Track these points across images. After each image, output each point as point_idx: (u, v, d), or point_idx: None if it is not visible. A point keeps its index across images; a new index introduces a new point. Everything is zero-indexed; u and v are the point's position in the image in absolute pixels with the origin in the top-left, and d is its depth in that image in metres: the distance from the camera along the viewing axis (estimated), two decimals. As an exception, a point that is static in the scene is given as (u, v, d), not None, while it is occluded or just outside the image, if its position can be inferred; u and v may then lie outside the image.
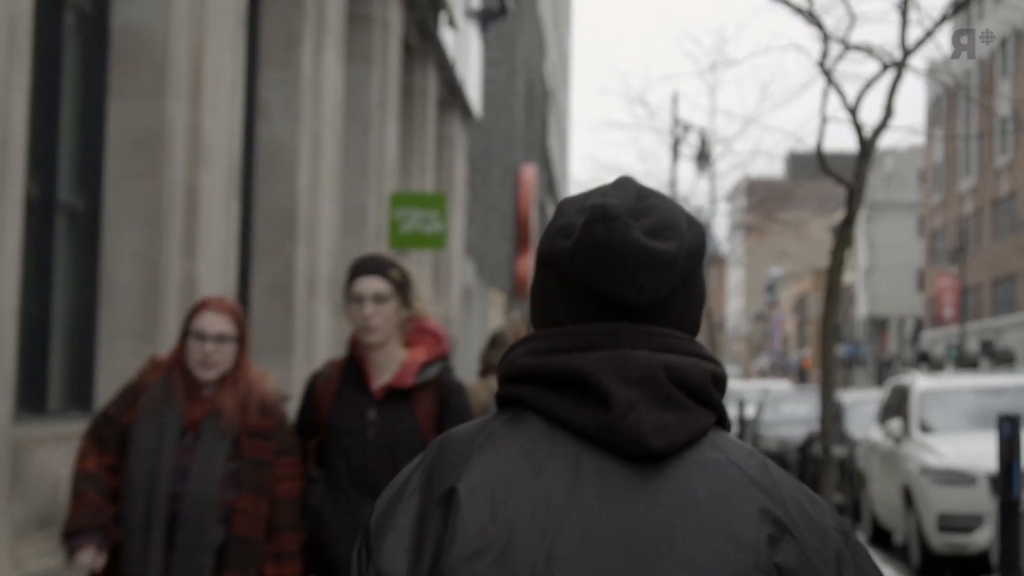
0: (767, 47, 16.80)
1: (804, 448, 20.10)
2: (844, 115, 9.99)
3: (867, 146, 9.87)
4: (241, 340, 4.57)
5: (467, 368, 18.28)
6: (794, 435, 22.45)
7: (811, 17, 9.98)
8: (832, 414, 9.96)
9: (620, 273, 1.63)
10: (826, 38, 9.98)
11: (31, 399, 6.58)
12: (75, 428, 5.75)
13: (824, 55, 9.98)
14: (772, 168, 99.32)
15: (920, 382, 14.79)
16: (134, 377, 4.65)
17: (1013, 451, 7.95)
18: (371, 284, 4.66)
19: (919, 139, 71.14)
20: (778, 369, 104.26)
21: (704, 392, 1.65)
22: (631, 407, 1.59)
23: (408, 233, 13.86)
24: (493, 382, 7.27)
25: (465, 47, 18.33)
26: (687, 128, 31.96)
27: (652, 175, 40.93)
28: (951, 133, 59.35)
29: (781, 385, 40.14)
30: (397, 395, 4.65)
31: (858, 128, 9.91)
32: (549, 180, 42.62)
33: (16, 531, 5.79)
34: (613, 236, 1.62)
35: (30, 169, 6.28)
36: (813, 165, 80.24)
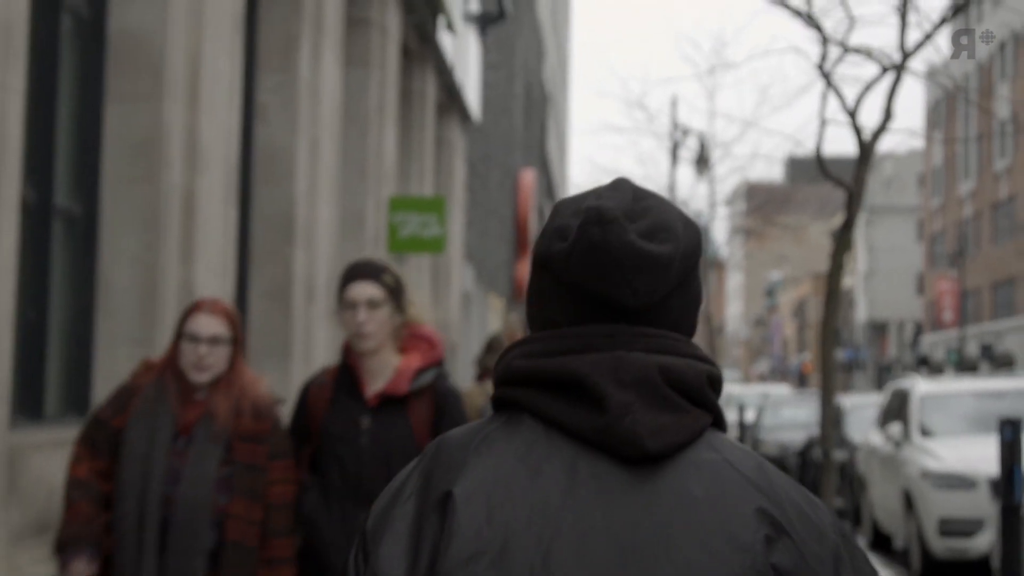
0: (766, 50, 16.79)
1: (804, 452, 20.07)
2: (843, 118, 9.98)
3: (866, 149, 9.85)
4: (235, 342, 4.51)
5: (467, 372, 18.26)
6: (794, 439, 22.44)
7: (810, 20, 9.96)
8: (832, 418, 9.93)
9: (616, 276, 1.63)
10: (825, 41, 9.96)
11: (28, 404, 6.55)
12: (72, 434, 5.71)
13: (823, 58, 9.97)
14: (771, 172, 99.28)
15: (920, 386, 14.76)
16: (127, 379, 4.59)
17: (1014, 455, 7.92)
18: (364, 290, 4.59)
19: (918, 142, 71.18)
20: (778, 373, 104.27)
21: (700, 393, 1.65)
22: (627, 409, 1.59)
23: (407, 237, 13.83)
24: (490, 386, 7.26)
25: (464, 51, 18.31)
26: (686, 132, 31.96)
27: (651, 179, 40.90)
28: (950, 136, 59.35)
29: (781, 389, 40.08)
30: (391, 402, 4.58)
31: (857, 131, 9.89)
32: (548, 184, 42.62)
33: (12, 537, 5.76)
34: (609, 239, 1.62)
35: (26, 173, 6.25)
36: (812, 169, 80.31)
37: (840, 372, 71.15)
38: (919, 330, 71.81)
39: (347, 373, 4.66)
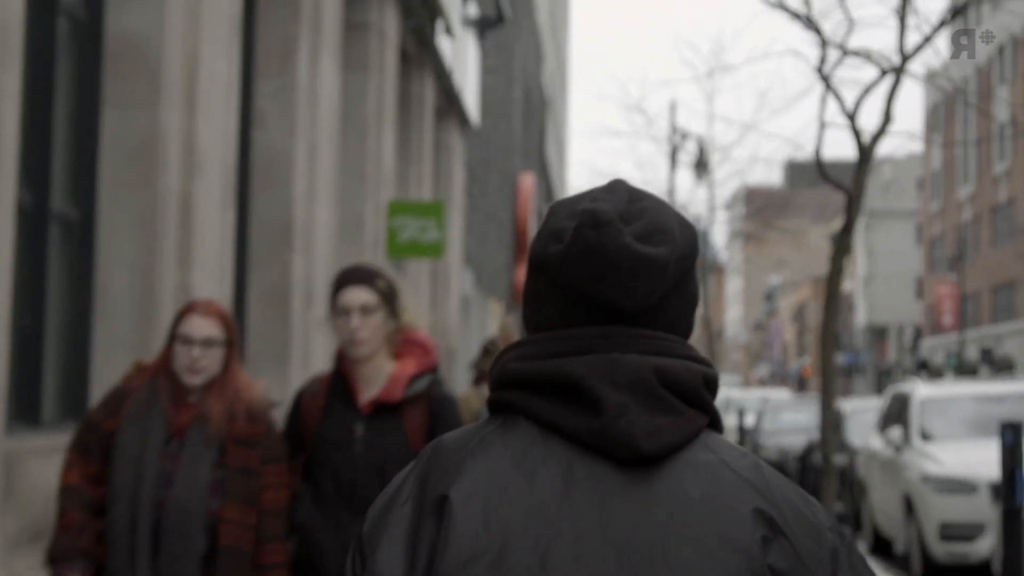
0: (765, 52, 16.83)
1: (804, 457, 20.01)
2: (843, 121, 9.96)
3: (866, 152, 9.84)
4: (230, 345, 4.45)
5: (465, 377, 18.22)
6: (794, 444, 22.40)
7: (809, 22, 9.96)
8: (832, 423, 9.91)
9: (611, 278, 1.62)
10: (824, 43, 9.95)
11: (24, 410, 6.52)
12: (69, 439, 5.69)
13: (822, 60, 9.95)
14: (770, 176, 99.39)
15: (920, 390, 14.74)
16: (119, 382, 4.53)
17: (1015, 459, 7.88)
18: (357, 295, 4.51)
19: (917, 146, 71.23)
20: (777, 378, 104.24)
21: (695, 394, 1.65)
22: (622, 411, 1.59)
23: (406, 242, 13.81)
24: (486, 390, 7.23)
25: (462, 55, 18.30)
26: (685, 136, 31.95)
27: (650, 183, 40.87)
28: (949, 139, 59.38)
29: (781, 394, 40.04)
30: (386, 409, 4.51)
31: (857, 134, 9.87)
32: (547, 188, 42.61)
33: (9, 544, 5.73)
34: (604, 241, 1.62)
35: (23, 177, 6.22)
36: (811, 173, 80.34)
37: (840, 376, 71.15)
38: (919, 334, 71.80)
39: (340, 380, 4.59)
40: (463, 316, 21.43)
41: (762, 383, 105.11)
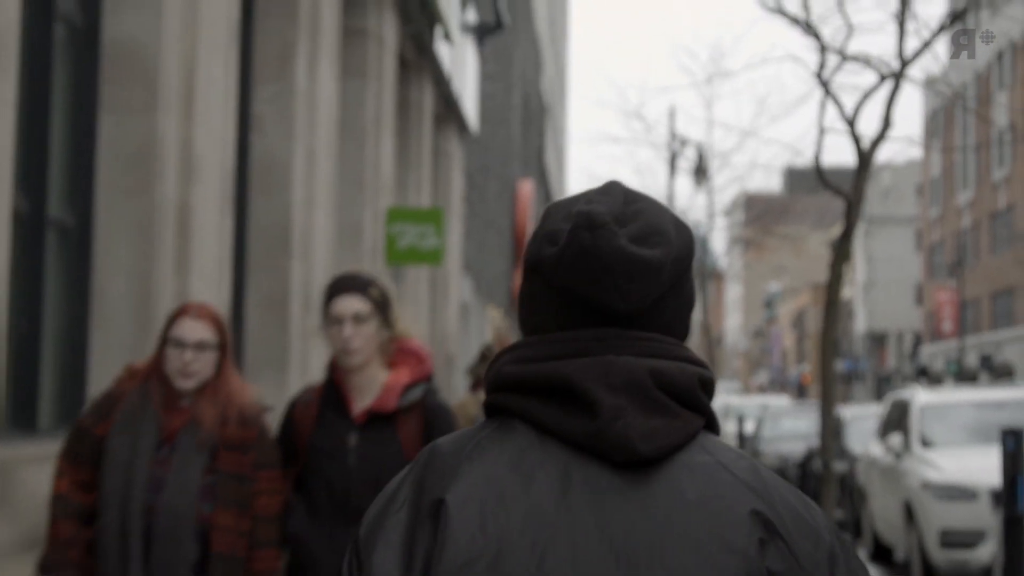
0: (764, 58, 16.84)
1: (804, 464, 20.03)
2: (842, 126, 9.95)
3: (865, 157, 9.82)
4: (222, 348, 4.39)
5: (465, 384, 18.19)
6: (794, 450, 22.39)
7: (808, 28, 9.94)
8: (832, 429, 9.88)
9: (606, 281, 1.62)
10: (823, 49, 9.94)
11: (21, 418, 6.49)
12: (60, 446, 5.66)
13: (821, 66, 9.94)
14: (770, 182, 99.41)
15: (920, 396, 14.71)
16: (110, 386, 4.48)
17: (1017, 465, 7.86)
18: (350, 304, 4.45)
19: (917, 151, 71.22)
20: (777, 384, 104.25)
21: (691, 396, 1.64)
22: (618, 413, 1.58)
23: (404, 249, 13.79)
24: (483, 396, 7.19)
25: (461, 62, 18.29)
26: (684, 142, 31.95)
27: (649, 189, 40.86)
28: (948, 145, 59.41)
29: (780, 400, 40.04)
30: (379, 419, 4.45)
31: (856, 139, 9.86)
32: (546, 195, 42.62)
33: (4, 552, 5.70)
34: (599, 244, 1.61)
35: (19, 184, 6.20)
36: (810, 180, 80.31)
37: (839, 383, 71.16)
38: (918, 341, 71.78)
39: (333, 390, 4.52)
40: (462, 323, 21.41)
41: (762, 390, 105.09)
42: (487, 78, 23.54)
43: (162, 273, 7.12)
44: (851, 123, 9.83)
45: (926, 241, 69.07)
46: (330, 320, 4.48)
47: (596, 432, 1.58)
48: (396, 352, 4.55)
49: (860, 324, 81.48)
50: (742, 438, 25.56)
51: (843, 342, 78.87)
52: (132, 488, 4.19)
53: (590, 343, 1.63)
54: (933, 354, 64.90)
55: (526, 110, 32.78)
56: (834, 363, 10.03)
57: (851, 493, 16.69)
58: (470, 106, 19.59)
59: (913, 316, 76.04)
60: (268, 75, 9.89)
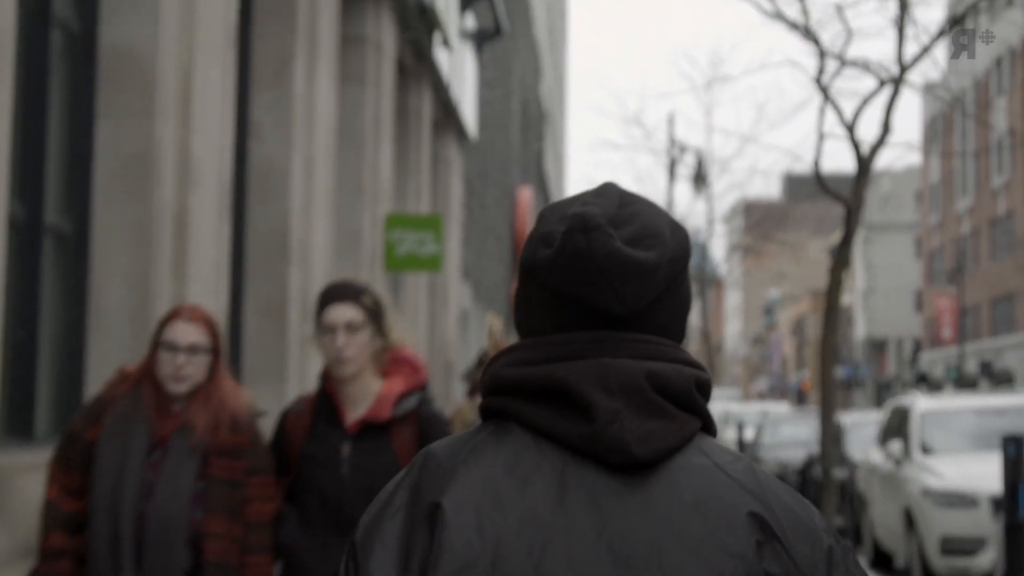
0: (763, 63, 16.85)
1: (804, 470, 19.99)
2: (841, 132, 9.94)
3: (865, 163, 9.80)
4: (215, 352, 4.33)
5: (463, 391, 18.16)
6: (794, 457, 22.36)
7: (807, 33, 9.93)
8: (832, 436, 9.87)
9: (601, 283, 1.61)
10: (823, 54, 9.93)
11: (17, 425, 6.47)
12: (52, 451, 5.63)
13: (821, 71, 9.93)
14: (769, 188, 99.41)
15: (920, 403, 14.68)
16: (101, 390, 4.42)
17: (1018, 472, 7.84)
18: (343, 312, 4.38)
19: (916, 158, 71.30)
20: (777, 391, 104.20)
21: (688, 398, 1.64)
22: (614, 416, 1.58)
23: (403, 255, 13.76)
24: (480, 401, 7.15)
25: (460, 68, 18.27)
26: (683, 149, 31.94)
27: (648, 196, 40.78)
28: (947, 150, 59.42)
29: (780, 407, 39.99)
30: (373, 429, 4.38)
31: (856, 145, 9.84)
32: (545, 202, 42.56)
33: (0, 560, 5.67)
34: (593, 246, 1.61)
35: (15, 190, 6.17)
36: (810, 186, 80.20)
37: (839, 389, 71.10)
38: (918, 347, 71.74)
39: (326, 400, 4.46)
40: (462, 330, 21.38)
41: (761, 397, 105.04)
42: (486, 85, 23.52)
43: (160, 279, 7.09)
44: (850, 128, 9.83)
45: (926, 247, 69.06)
46: (323, 329, 4.42)
47: (592, 435, 1.58)
48: (390, 361, 4.49)
49: (860, 331, 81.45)
50: (742, 445, 25.53)
51: (843, 349, 78.83)
52: (122, 494, 4.13)
53: (586, 345, 1.62)
54: (933, 361, 64.86)
55: (525, 117, 32.77)
56: (834, 370, 10.01)
57: (851, 500, 16.66)
58: (469, 112, 19.58)
59: (913, 323, 76.01)
60: (266, 81, 9.86)
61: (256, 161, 9.81)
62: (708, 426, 1.67)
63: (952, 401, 15.25)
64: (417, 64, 15.71)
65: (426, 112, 16.46)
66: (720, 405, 38.61)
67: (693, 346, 52.06)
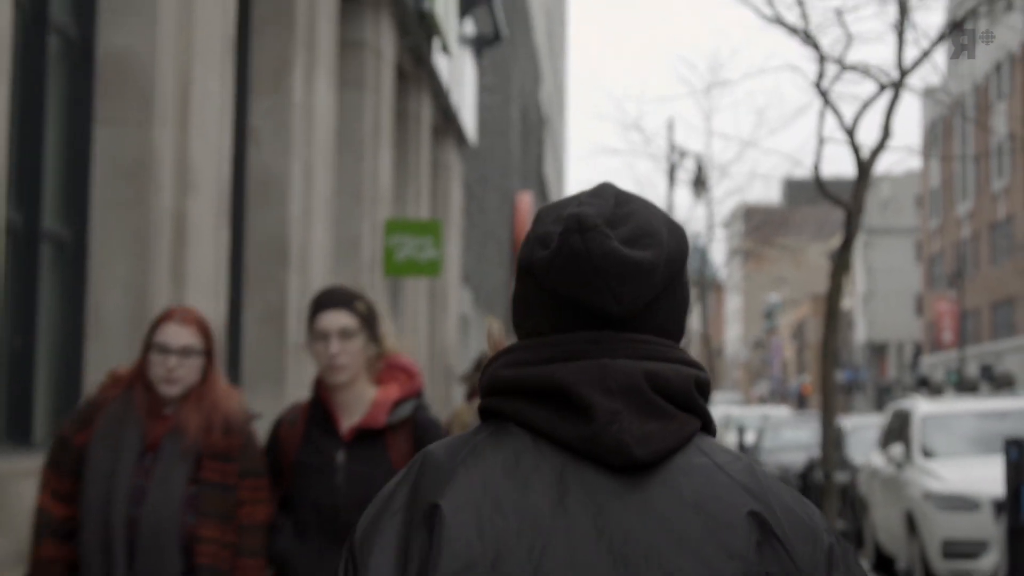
0: (763, 67, 16.87)
1: (805, 474, 19.98)
2: (841, 136, 9.93)
3: (865, 167, 9.79)
4: (208, 354, 4.27)
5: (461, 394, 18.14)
6: (795, 461, 22.34)
7: (807, 37, 9.92)
8: (833, 440, 9.85)
9: (598, 283, 1.61)
10: (822, 58, 9.92)
11: (15, 432, 6.45)
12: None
13: (820, 75, 9.92)
14: (769, 193, 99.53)
15: (921, 406, 14.67)
16: (93, 393, 4.36)
17: (1020, 475, 7.82)
18: (336, 319, 4.32)
19: (916, 162, 71.29)
20: (777, 395, 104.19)
21: (687, 398, 1.63)
22: (614, 417, 1.58)
23: (403, 261, 13.74)
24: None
25: (460, 74, 18.27)
26: (683, 154, 31.93)
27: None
28: (947, 154, 59.44)
29: (781, 411, 39.97)
30: (368, 437, 4.33)
31: (856, 149, 9.83)
32: (546, 208, 42.52)
33: (-1, 567, 5.66)
34: (590, 247, 1.60)
35: (13, 197, 6.16)
36: (810, 191, 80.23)
37: (840, 393, 71.05)
38: (918, 351, 71.73)
39: (319, 408, 4.40)
40: (462, 335, 21.37)
41: (762, 401, 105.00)
42: (486, 90, 23.52)
43: (158, 286, 7.08)
44: (850, 133, 9.81)
45: (926, 252, 69.05)
46: (315, 336, 4.36)
47: (591, 436, 1.57)
48: (385, 368, 4.44)
49: (860, 335, 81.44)
50: (743, 449, 25.52)
51: (843, 353, 78.81)
52: (113, 500, 4.08)
53: (585, 346, 1.62)
54: (933, 364, 64.84)
55: (525, 122, 32.77)
56: (834, 373, 10.00)
57: (852, 503, 16.64)
58: (469, 118, 19.57)
59: (913, 326, 76.00)
60: (265, 87, 9.85)
61: (255, 167, 9.79)
62: (708, 426, 1.67)
63: (953, 405, 15.24)
64: (416, 69, 15.71)
65: (425, 117, 16.45)
66: (721, 409, 38.60)
67: (694, 350, 52.01)
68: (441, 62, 16.20)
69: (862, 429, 19.44)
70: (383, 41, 12.88)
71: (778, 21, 10.03)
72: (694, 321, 44.83)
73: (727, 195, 39.68)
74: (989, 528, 11.87)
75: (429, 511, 1.57)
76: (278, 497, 4.39)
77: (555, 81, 50.69)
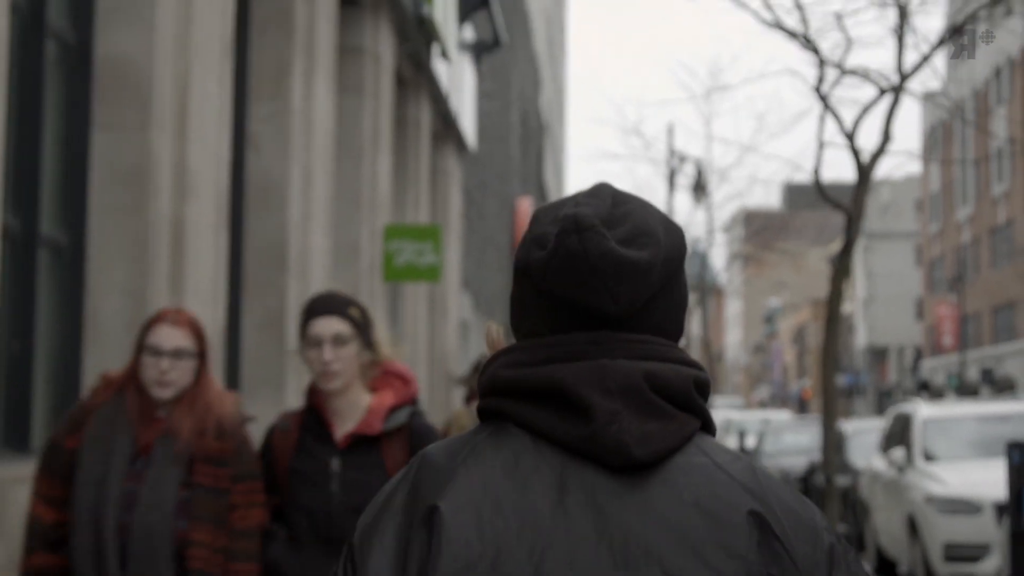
0: (763, 72, 16.92)
1: (806, 478, 19.97)
2: (841, 141, 9.92)
3: (865, 171, 9.78)
4: (201, 356, 4.22)
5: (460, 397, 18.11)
6: (796, 465, 22.32)
7: (807, 42, 9.91)
8: (834, 443, 9.83)
9: (595, 284, 1.61)
10: (822, 63, 9.91)
11: (13, 438, 6.44)
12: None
13: (820, 80, 9.91)
14: (769, 198, 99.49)
15: (923, 410, 14.65)
16: (84, 396, 4.30)
17: (1022, 479, 7.79)
18: (329, 325, 4.26)
19: (916, 166, 71.31)
20: (778, 399, 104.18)
21: (686, 398, 1.63)
22: (613, 417, 1.57)
23: (402, 266, 13.73)
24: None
25: (459, 79, 18.26)
26: (683, 159, 31.93)
27: (649, 206, 40.76)
28: (947, 158, 59.46)
29: (781, 415, 39.92)
30: (363, 443, 4.28)
31: (856, 153, 9.82)
32: (546, 213, 42.53)
33: (-3, 574, 5.64)
34: (587, 247, 1.60)
35: (10, 202, 6.15)
36: (810, 195, 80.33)
37: (840, 397, 71.03)
38: (919, 355, 71.71)
39: (313, 415, 4.35)
40: (462, 340, 21.36)
41: (763, 405, 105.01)
42: (485, 96, 23.52)
43: (156, 292, 7.06)
44: (850, 137, 9.81)
45: (926, 256, 69.05)
46: (308, 342, 4.30)
47: (591, 436, 1.57)
48: (381, 374, 4.39)
49: (861, 339, 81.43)
50: (743, 453, 25.49)
51: (844, 357, 78.80)
52: (105, 506, 4.03)
53: (584, 346, 1.62)
54: (934, 368, 64.83)
55: (524, 128, 32.76)
56: (835, 378, 9.99)
57: (854, 507, 16.62)
58: (468, 124, 19.56)
59: (914, 331, 75.98)
60: (264, 93, 9.84)
61: (254, 172, 9.78)
62: (707, 425, 1.66)
63: (954, 408, 15.22)
64: (416, 75, 15.70)
65: (425, 123, 16.45)
66: (721, 413, 38.56)
67: (694, 354, 52.05)
68: (440, 68, 16.20)
69: (863, 433, 19.42)
70: (382, 47, 12.87)
71: (778, 26, 10.03)
72: (694, 326, 44.79)
73: (727, 200, 39.81)
74: (991, 532, 11.85)
75: (429, 511, 1.57)
76: (272, 506, 4.35)
77: (555, 86, 50.70)
